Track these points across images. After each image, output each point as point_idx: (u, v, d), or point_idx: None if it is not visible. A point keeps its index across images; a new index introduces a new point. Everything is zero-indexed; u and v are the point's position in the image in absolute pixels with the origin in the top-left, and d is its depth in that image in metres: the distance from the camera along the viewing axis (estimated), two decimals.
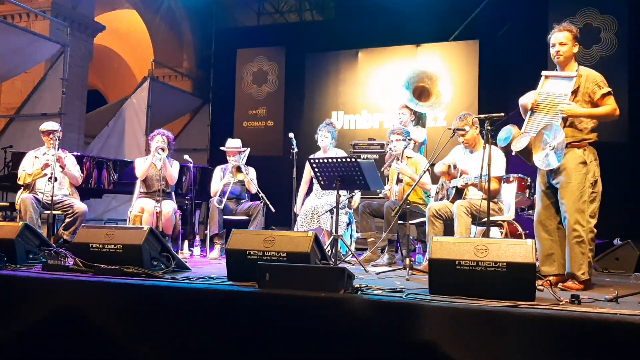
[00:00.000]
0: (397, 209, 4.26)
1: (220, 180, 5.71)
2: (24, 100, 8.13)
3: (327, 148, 5.47)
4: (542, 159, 3.44)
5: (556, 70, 3.68)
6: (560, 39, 3.56)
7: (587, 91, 3.49)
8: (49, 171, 5.16)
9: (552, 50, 3.61)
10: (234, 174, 5.58)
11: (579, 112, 3.44)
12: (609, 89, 3.48)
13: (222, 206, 5.48)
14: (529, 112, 3.65)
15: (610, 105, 3.45)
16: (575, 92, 3.50)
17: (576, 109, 3.43)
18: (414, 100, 6.12)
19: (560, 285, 3.47)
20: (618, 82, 6.76)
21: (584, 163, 3.47)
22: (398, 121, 5.94)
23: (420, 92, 6.23)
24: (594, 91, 3.48)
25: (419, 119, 6.24)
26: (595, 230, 3.45)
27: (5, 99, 8.80)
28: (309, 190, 5.71)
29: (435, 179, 4.99)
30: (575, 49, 3.58)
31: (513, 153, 3.64)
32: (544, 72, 3.70)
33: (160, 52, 11.01)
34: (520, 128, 3.67)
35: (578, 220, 3.41)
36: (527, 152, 3.53)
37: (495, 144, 3.90)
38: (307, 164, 5.11)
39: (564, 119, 3.48)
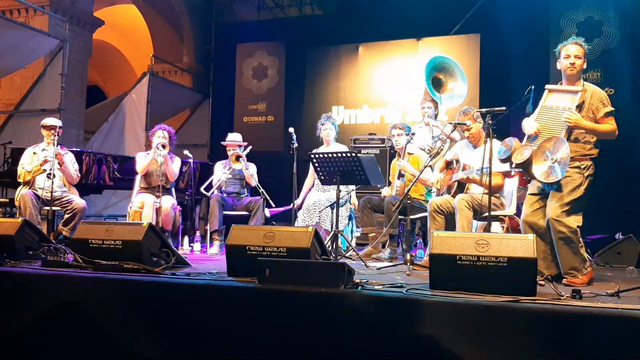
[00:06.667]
0: (397, 204, 4.24)
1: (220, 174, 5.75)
2: (23, 96, 8.10)
3: (331, 142, 5.45)
4: (545, 171, 3.41)
5: (561, 82, 3.69)
6: (577, 52, 3.58)
7: (592, 107, 3.53)
8: (48, 167, 5.14)
9: (566, 62, 3.59)
10: (232, 161, 5.59)
11: (584, 125, 3.47)
12: (612, 108, 3.52)
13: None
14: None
15: (612, 125, 3.51)
16: (580, 107, 3.52)
17: (582, 120, 3.46)
18: (435, 94, 5.53)
19: (564, 280, 3.45)
20: (620, 75, 6.74)
21: (580, 173, 3.49)
22: (425, 115, 5.39)
23: (437, 83, 5.69)
24: (598, 108, 3.52)
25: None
26: (579, 231, 3.46)
27: (4, 94, 8.77)
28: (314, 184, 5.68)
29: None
30: (585, 65, 3.63)
31: (513, 165, 3.63)
32: (547, 86, 3.71)
33: (160, 47, 10.97)
34: (521, 140, 3.64)
35: (564, 222, 3.42)
36: (526, 164, 3.51)
37: (497, 139, 3.87)
38: None
39: (568, 132, 3.48)
